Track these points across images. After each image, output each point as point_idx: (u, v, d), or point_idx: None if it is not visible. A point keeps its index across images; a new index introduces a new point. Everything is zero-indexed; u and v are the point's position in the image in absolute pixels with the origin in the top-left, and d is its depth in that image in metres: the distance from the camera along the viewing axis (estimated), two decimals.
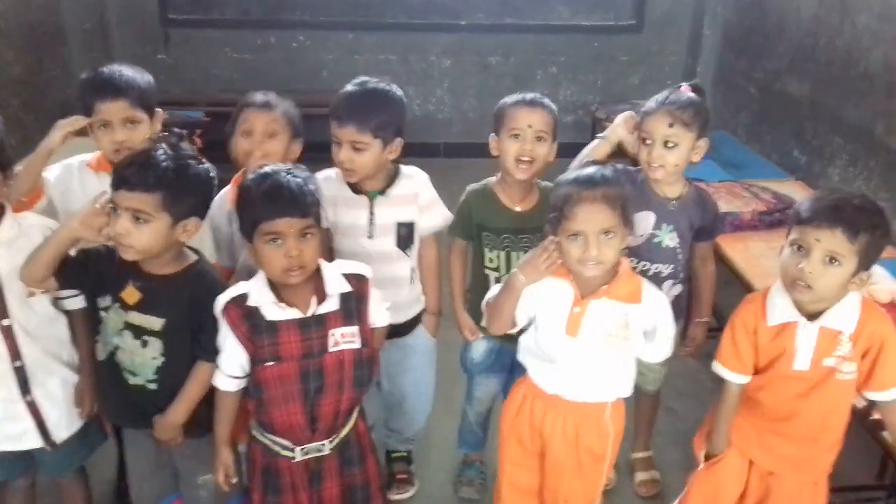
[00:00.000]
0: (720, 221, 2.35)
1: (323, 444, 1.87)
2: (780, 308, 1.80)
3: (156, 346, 1.81)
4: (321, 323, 1.79)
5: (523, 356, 1.98)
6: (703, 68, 5.47)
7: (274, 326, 1.76)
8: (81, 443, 2.06)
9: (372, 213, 2.16)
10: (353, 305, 1.82)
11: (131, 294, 1.78)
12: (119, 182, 1.70)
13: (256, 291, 1.77)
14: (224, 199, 2.15)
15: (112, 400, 1.94)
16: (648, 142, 2.14)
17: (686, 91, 2.18)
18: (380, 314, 1.94)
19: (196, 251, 1.90)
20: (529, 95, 2.19)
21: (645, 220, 2.20)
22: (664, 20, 5.59)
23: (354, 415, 1.92)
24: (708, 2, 5.33)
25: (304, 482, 1.89)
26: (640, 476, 2.61)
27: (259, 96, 2.16)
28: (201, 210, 1.81)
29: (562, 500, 2.00)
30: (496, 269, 2.23)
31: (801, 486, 1.93)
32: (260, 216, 1.69)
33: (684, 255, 2.27)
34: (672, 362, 2.44)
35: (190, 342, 1.83)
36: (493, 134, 2.22)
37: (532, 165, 2.15)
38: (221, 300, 1.77)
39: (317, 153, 2.38)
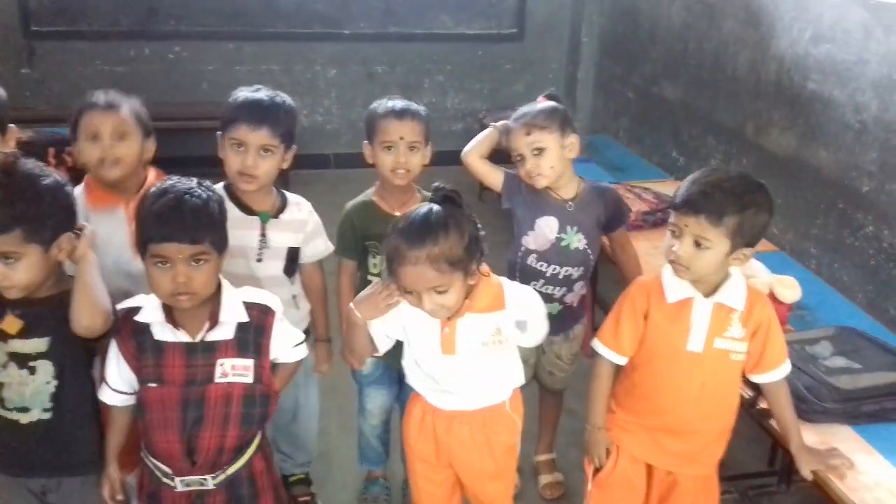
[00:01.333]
0: (625, 207, 2.41)
1: (205, 479, 1.74)
2: (677, 286, 1.84)
3: (46, 369, 1.68)
4: (210, 350, 1.69)
5: (412, 381, 1.94)
6: (583, 74, 5.64)
7: (160, 347, 1.67)
8: None
9: (264, 236, 2.09)
10: (251, 337, 1.72)
11: (11, 323, 1.65)
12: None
13: (148, 308, 1.68)
14: (80, 203, 2.00)
15: None
16: (518, 156, 2.21)
17: (541, 101, 2.27)
18: (286, 349, 1.84)
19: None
20: (399, 105, 2.18)
21: (548, 226, 2.24)
22: (544, 28, 5.73)
23: (248, 452, 1.79)
24: (585, 10, 5.49)
25: None
26: (545, 479, 2.63)
27: (100, 96, 2.05)
28: (67, 224, 1.68)
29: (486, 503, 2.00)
30: (377, 275, 2.21)
31: (696, 481, 1.98)
32: (149, 236, 1.59)
33: (594, 255, 2.33)
34: (576, 361, 2.49)
35: (84, 357, 1.72)
36: (366, 141, 2.21)
37: (409, 174, 2.15)
38: (117, 310, 1.69)
39: (196, 168, 2.28)
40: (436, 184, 1.78)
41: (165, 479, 1.75)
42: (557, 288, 2.30)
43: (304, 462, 2.52)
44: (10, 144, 2.01)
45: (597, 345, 1.95)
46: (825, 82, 3.05)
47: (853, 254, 2.93)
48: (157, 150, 2.14)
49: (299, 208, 2.18)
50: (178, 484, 1.74)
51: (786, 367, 1.87)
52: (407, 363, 1.92)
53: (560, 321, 2.35)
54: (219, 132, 2.07)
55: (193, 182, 1.66)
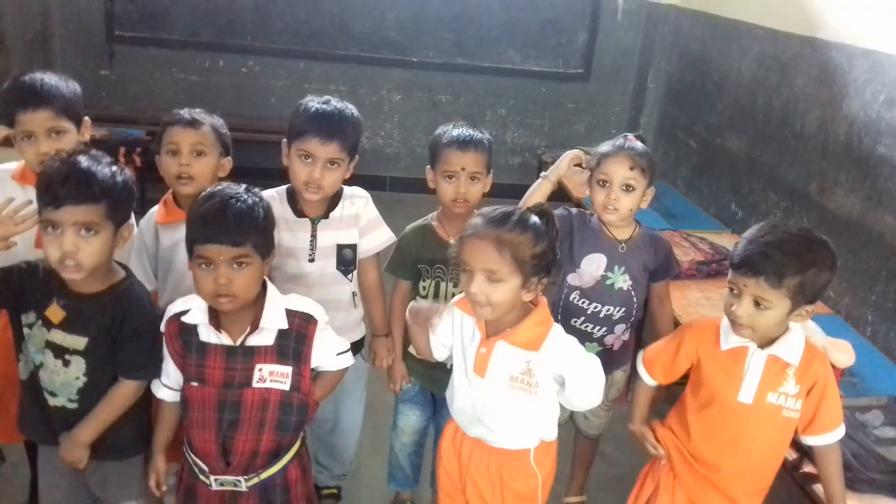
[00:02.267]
0: (674, 261, 2.36)
1: (239, 480, 1.78)
2: (732, 334, 1.82)
3: (79, 365, 1.73)
4: (249, 355, 1.73)
5: (448, 399, 1.94)
6: (646, 120, 5.63)
7: (203, 348, 1.72)
8: None
9: (314, 237, 2.13)
10: (292, 344, 1.75)
11: (55, 312, 1.71)
12: (58, 199, 1.60)
13: (195, 309, 1.73)
14: (151, 218, 2.13)
15: (30, 418, 1.84)
16: (607, 184, 2.18)
17: (634, 140, 2.22)
18: (329, 357, 1.86)
19: (125, 267, 1.83)
20: (463, 134, 2.17)
21: (596, 263, 2.22)
22: (611, 71, 5.75)
23: (284, 459, 1.82)
24: (653, 56, 5.50)
25: None
26: None
27: (184, 113, 2.10)
28: (130, 214, 1.77)
29: None
30: (425, 297, 2.22)
31: None
32: (194, 238, 1.65)
33: (638, 299, 2.29)
34: (614, 407, 2.46)
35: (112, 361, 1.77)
36: (428, 167, 2.22)
37: (468, 203, 2.15)
38: (168, 312, 1.75)
39: (261, 179, 2.34)
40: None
41: (202, 476, 1.79)
42: (598, 327, 2.27)
43: (340, 475, 2.52)
44: (85, 137, 2.09)
45: (639, 361, 2.00)
46: None
47: None
48: None
49: (353, 202, 2.18)
50: (213, 482, 1.78)
51: (840, 431, 1.82)
52: (450, 382, 1.93)
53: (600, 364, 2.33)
54: (284, 140, 2.11)
55: (241, 188, 1.71)
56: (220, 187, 1.70)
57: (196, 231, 1.64)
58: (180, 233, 2.09)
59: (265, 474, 1.79)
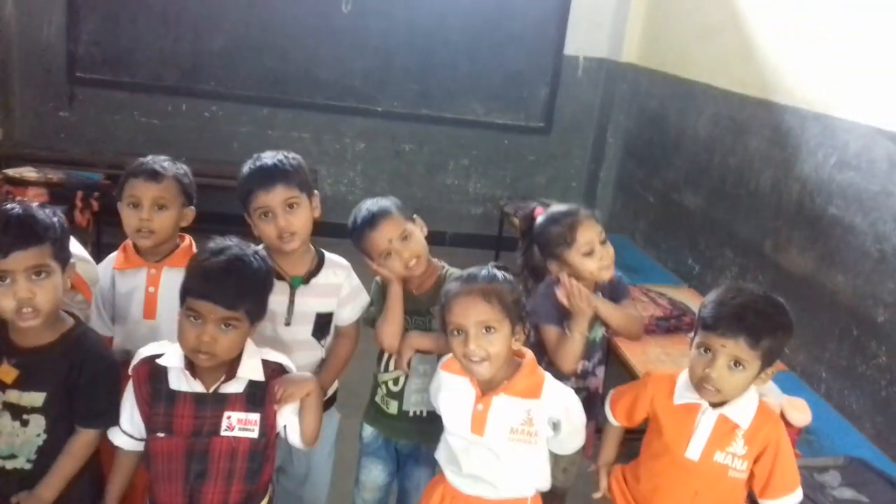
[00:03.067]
0: (623, 288, 2.36)
1: None
2: (686, 390, 1.85)
3: (38, 422, 1.68)
4: (220, 402, 1.69)
5: (439, 457, 1.93)
6: (605, 173, 5.74)
7: (173, 396, 1.69)
8: None
9: (292, 302, 2.09)
10: (260, 392, 1.73)
11: (7, 372, 1.66)
12: (4, 247, 1.58)
13: (171, 353, 1.70)
14: (109, 263, 2.11)
15: None
16: (588, 249, 2.17)
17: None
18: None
19: (73, 315, 1.79)
20: (368, 215, 2.09)
21: None
22: (571, 125, 5.87)
23: None
24: (612, 111, 5.63)
25: None
26: None
27: (148, 163, 2.07)
28: (70, 254, 1.74)
29: None
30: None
31: None
32: (189, 288, 1.63)
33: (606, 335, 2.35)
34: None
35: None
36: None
37: (418, 262, 2.11)
38: (138, 356, 1.72)
39: (221, 225, 2.32)
40: (491, 264, 1.92)
41: None
42: (585, 380, 2.30)
43: None
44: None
45: (607, 405, 2.05)
46: (847, 208, 3.09)
47: (864, 382, 2.91)
48: None
49: (335, 272, 2.16)
50: None
51: (798, 495, 1.83)
52: (442, 441, 1.92)
53: (586, 410, 2.34)
54: (245, 213, 2.08)
55: (250, 250, 1.70)
56: (228, 244, 1.69)
57: (194, 283, 1.63)
58: (137, 280, 2.08)
59: None
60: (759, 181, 3.74)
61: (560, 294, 2.12)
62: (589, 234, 2.16)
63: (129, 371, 1.72)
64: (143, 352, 1.74)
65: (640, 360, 2.97)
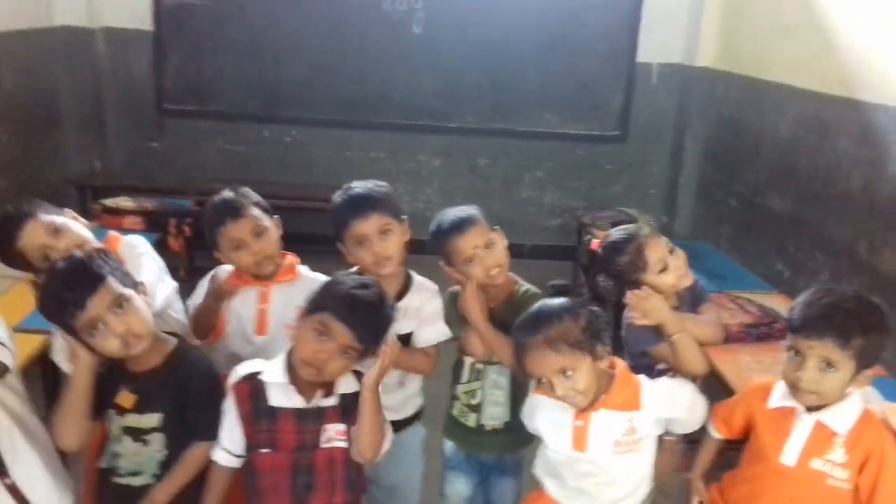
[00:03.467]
0: (703, 289, 2.35)
1: None
2: (781, 394, 1.82)
3: (158, 440, 1.79)
4: (319, 416, 1.76)
5: (540, 475, 1.94)
6: (684, 180, 5.63)
7: (274, 413, 1.75)
8: None
9: None
10: (351, 403, 1.78)
11: (126, 398, 1.77)
12: (78, 302, 1.67)
13: (271, 368, 1.77)
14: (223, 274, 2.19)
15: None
16: (662, 264, 2.18)
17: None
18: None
19: (175, 334, 1.89)
20: (455, 220, 2.15)
21: None
22: (647, 132, 5.79)
23: None
24: (689, 117, 5.54)
25: None
26: None
27: (228, 204, 2.13)
28: (130, 276, 1.82)
29: None
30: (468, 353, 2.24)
31: None
32: (325, 306, 1.71)
33: None
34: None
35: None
36: (443, 264, 2.19)
37: (502, 269, 2.15)
38: (236, 374, 1.79)
39: (304, 245, 2.42)
40: (550, 282, 1.84)
41: None
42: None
43: None
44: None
45: (709, 423, 2.00)
46: None
47: None
48: None
49: (418, 295, 2.19)
50: None
51: None
52: (539, 459, 1.94)
53: None
54: (338, 241, 2.15)
55: (387, 300, 1.81)
56: (368, 280, 1.79)
57: (339, 306, 1.70)
58: (248, 298, 2.16)
59: None
60: (850, 181, 3.60)
61: (634, 319, 2.11)
62: (658, 251, 2.13)
63: (229, 387, 1.79)
64: (241, 370, 1.81)
65: (729, 368, 2.89)
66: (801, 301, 1.78)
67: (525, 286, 2.23)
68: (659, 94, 5.72)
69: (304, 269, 2.27)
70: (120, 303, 1.69)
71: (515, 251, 2.29)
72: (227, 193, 2.17)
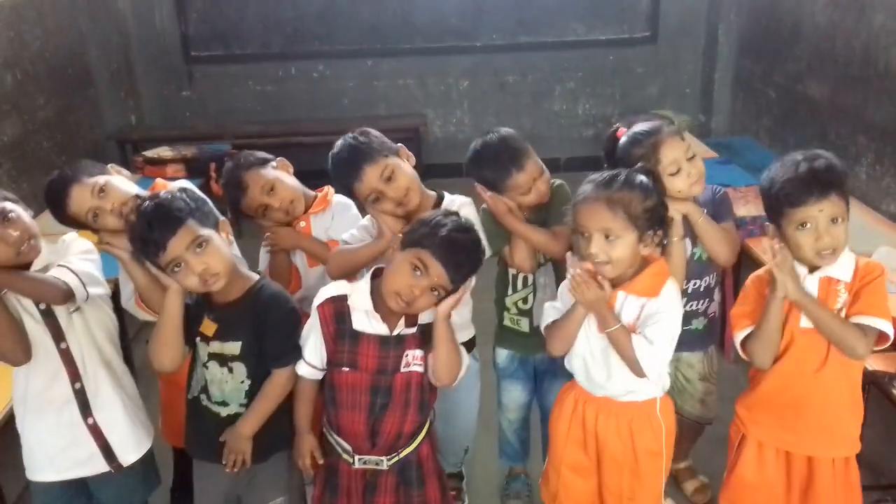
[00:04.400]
0: (726, 207, 2.24)
1: (381, 460, 1.90)
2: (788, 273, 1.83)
3: (240, 370, 1.89)
4: (400, 343, 1.84)
5: (569, 362, 2.01)
6: (720, 75, 5.50)
7: (357, 335, 1.84)
8: (142, 480, 2.14)
9: None
10: (430, 331, 1.85)
11: (208, 326, 1.87)
12: (160, 243, 1.75)
13: (357, 294, 1.84)
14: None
15: (195, 436, 2.00)
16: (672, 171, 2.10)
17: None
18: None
19: (259, 273, 1.98)
20: (492, 153, 2.16)
21: (686, 243, 2.16)
22: (678, 30, 5.64)
23: (419, 437, 1.95)
24: (721, 10, 5.36)
25: (360, 490, 1.94)
26: (690, 485, 2.62)
27: (246, 161, 2.25)
28: (216, 215, 1.90)
29: (626, 500, 2.02)
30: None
31: (835, 466, 1.95)
32: (427, 246, 1.74)
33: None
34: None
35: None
36: (483, 191, 2.19)
37: (542, 194, 2.18)
38: (322, 295, 1.86)
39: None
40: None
41: (345, 456, 1.92)
42: (701, 301, 2.28)
43: (453, 464, 2.59)
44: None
45: (736, 338, 1.94)
46: None
47: None
48: (302, 163, 2.34)
49: (453, 204, 2.20)
50: (356, 461, 1.91)
51: (885, 326, 1.78)
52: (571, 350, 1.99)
53: (706, 336, 2.35)
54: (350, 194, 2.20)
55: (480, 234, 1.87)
56: (467, 224, 1.83)
57: (437, 246, 1.74)
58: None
59: (404, 453, 1.92)
60: (889, 59, 3.49)
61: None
62: (674, 152, 2.05)
63: (314, 307, 1.86)
64: (326, 291, 1.88)
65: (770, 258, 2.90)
66: (776, 179, 1.80)
67: (554, 182, 2.25)
68: None
69: (338, 197, 2.34)
70: (199, 243, 1.76)
71: (551, 165, 2.30)
72: (226, 168, 2.29)
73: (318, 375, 1.91)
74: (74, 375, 1.96)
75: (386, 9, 5.52)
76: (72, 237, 2.02)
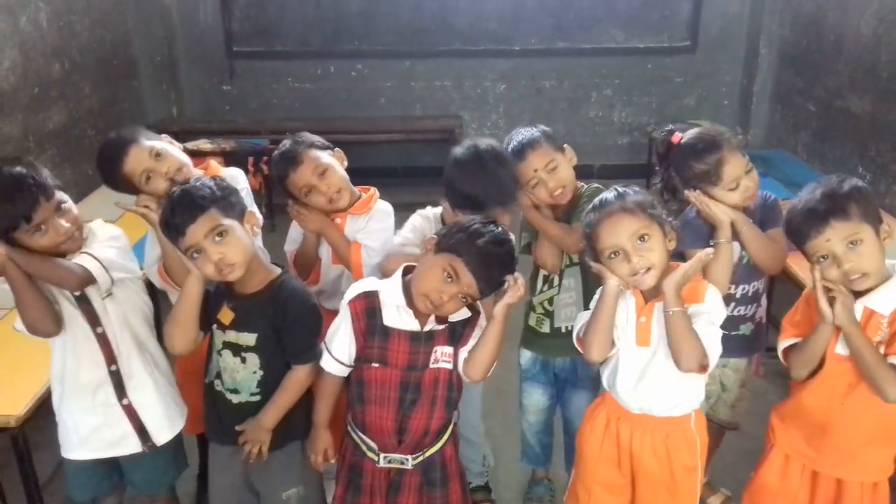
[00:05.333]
0: (777, 213, 2.20)
1: (406, 458, 1.92)
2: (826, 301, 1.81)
3: (253, 360, 1.91)
4: (430, 339, 1.85)
5: (607, 383, 1.98)
6: (759, 87, 5.46)
7: (387, 331, 1.84)
8: (173, 461, 2.18)
9: None
10: (460, 328, 1.87)
11: (226, 314, 1.89)
12: (179, 227, 1.77)
13: (389, 290, 1.84)
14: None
15: (211, 419, 2.04)
16: (731, 188, 2.10)
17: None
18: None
19: (281, 266, 2.00)
20: (516, 146, 2.19)
21: (735, 247, 2.15)
22: (718, 40, 5.60)
23: (444, 437, 1.96)
24: (763, 20, 5.32)
25: (383, 489, 1.95)
26: (715, 500, 2.62)
27: (281, 160, 2.23)
28: (243, 206, 1.90)
29: None
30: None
31: (864, 490, 1.93)
32: (460, 253, 1.73)
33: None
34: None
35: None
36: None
37: (566, 190, 2.18)
38: (353, 290, 1.87)
39: (374, 178, 2.48)
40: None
41: (370, 454, 1.93)
42: (749, 306, 2.27)
43: (481, 472, 2.62)
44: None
45: (780, 345, 1.94)
46: None
47: None
48: None
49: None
50: (381, 460, 1.92)
51: None
52: (605, 366, 1.97)
53: (754, 342, 2.33)
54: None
55: (514, 239, 1.85)
56: (505, 236, 1.80)
57: (471, 255, 1.73)
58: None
59: (429, 452, 1.93)
60: None
61: (700, 202, 2.08)
62: (736, 170, 2.05)
63: (344, 303, 1.87)
64: (357, 287, 1.89)
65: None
66: (793, 215, 1.81)
67: (590, 185, 2.25)
68: None
69: (381, 204, 2.35)
70: (220, 232, 1.77)
71: (585, 172, 2.31)
72: (285, 143, 2.27)
73: (345, 372, 1.91)
74: (110, 358, 2.00)
75: (425, 11, 5.55)
76: (98, 224, 2.05)
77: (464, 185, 2.03)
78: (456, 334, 1.86)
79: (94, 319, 1.98)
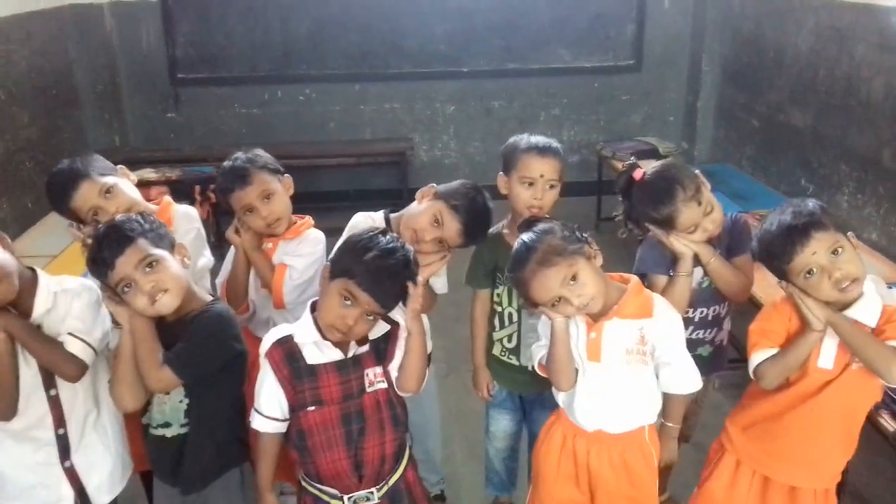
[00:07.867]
0: (746, 237, 2.18)
1: (371, 493, 1.85)
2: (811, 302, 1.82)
3: (178, 390, 1.82)
4: (358, 364, 1.80)
5: (560, 399, 1.98)
6: (703, 104, 5.56)
7: (314, 370, 1.77)
8: None
9: None
10: (383, 345, 1.83)
11: None
12: (108, 260, 1.71)
13: (302, 329, 1.78)
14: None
15: (153, 459, 1.96)
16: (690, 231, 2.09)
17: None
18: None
19: (214, 296, 1.93)
20: (542, 142, 2.20)
21: (696, 272, 2.15)
22: (663, 59, 5.70)
23: (403, 462, 1.91)
24: (705, 39, 5.43)
25: None
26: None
27: (237, 171, 2.16)
28: (172, 239, 1.84)
29: None
30: (500, 304, 2.27)
31: (815, 497, 1.95)
32: (353, 274, 1.67)
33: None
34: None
35: (209, 376, 1.82)
36: (501, 173, 2.24)
37: (541, 211, 2.16)
38: (266, 342, 1.80)
39: (323, 203, 2.43)
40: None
41: (333, 501, 1.85)
42: (708, 330, 2.26)
43: (436, 482, 2.58)
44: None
45: (755, 357, 1.89)
46: None
47: None
48: None
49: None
50: (346, 502, 1.84)
51: None
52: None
53: (712, 362, 2.32)
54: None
55: (412, 253, 1.77)
56: (396, 245, 1.73)
57: (362, 274, 1.67)
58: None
59: (392, 480, 1.88)
60: (871, 89, 3.54)
61: (661, 237, 2.08)
62: (691, 219, 2.03)
63: (262, 356, 1.79)
64: (269, 338, 1.81)
65: (759, 286, 2.86)
66: (772, 236, 1.81)
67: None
68: (673, 19, 5.62)
69: (313, 231, 2.30)
70: (150, 262, 1.72)
71: None
72: (238, 157, 2.21)
73: (282, 428, 1.83)
74: (59, 421, 1.88)
75: (375, 33, 5.53)
76: (69, 280, 1.90)
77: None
78: (381, 352, 1.82)
79: (49, 382, 1.85)
